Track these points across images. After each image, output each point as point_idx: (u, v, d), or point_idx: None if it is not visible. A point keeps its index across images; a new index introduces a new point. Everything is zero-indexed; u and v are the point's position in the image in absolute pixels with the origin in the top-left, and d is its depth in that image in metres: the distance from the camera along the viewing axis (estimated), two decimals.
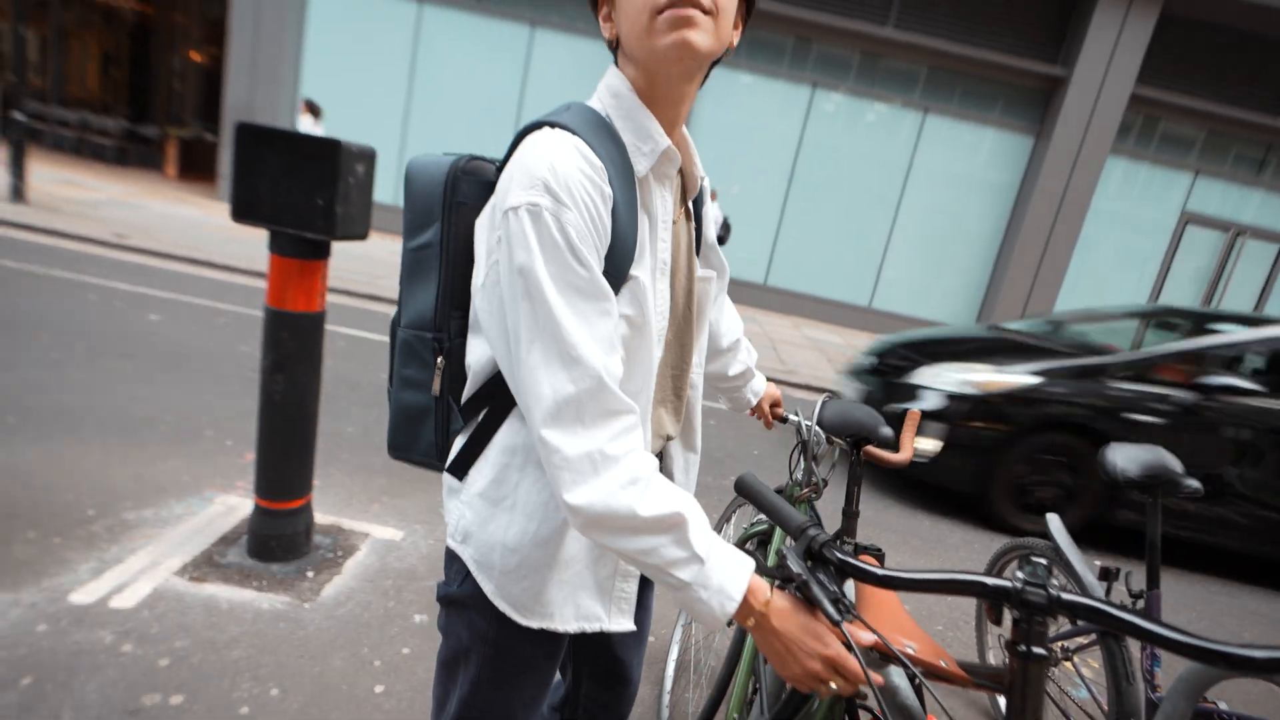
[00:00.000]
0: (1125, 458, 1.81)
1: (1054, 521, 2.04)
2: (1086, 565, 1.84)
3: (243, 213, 1.92)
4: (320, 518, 2.52)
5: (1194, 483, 1.71)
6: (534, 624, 0.91)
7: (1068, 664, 2.16)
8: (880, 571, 0.75)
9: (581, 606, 0.93)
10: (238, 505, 2.50)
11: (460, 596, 0.93)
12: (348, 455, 3.09)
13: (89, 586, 1.96)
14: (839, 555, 0.76)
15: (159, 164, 12.70)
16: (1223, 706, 1.67)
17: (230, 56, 9.51)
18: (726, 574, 0.75)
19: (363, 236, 2.11)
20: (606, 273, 0.78)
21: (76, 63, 14.09)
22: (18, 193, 6.91)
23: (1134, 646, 1.91)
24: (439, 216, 0.88)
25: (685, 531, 0.74)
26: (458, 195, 0.87)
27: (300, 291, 2.03)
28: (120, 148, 12.48)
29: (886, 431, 1.45)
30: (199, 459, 2.80)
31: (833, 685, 0.74)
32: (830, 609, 0.74)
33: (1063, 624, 2.03)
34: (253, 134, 1.90)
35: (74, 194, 8.21)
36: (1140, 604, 1.78)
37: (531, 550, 0.88)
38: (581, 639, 1.12)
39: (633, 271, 0.81)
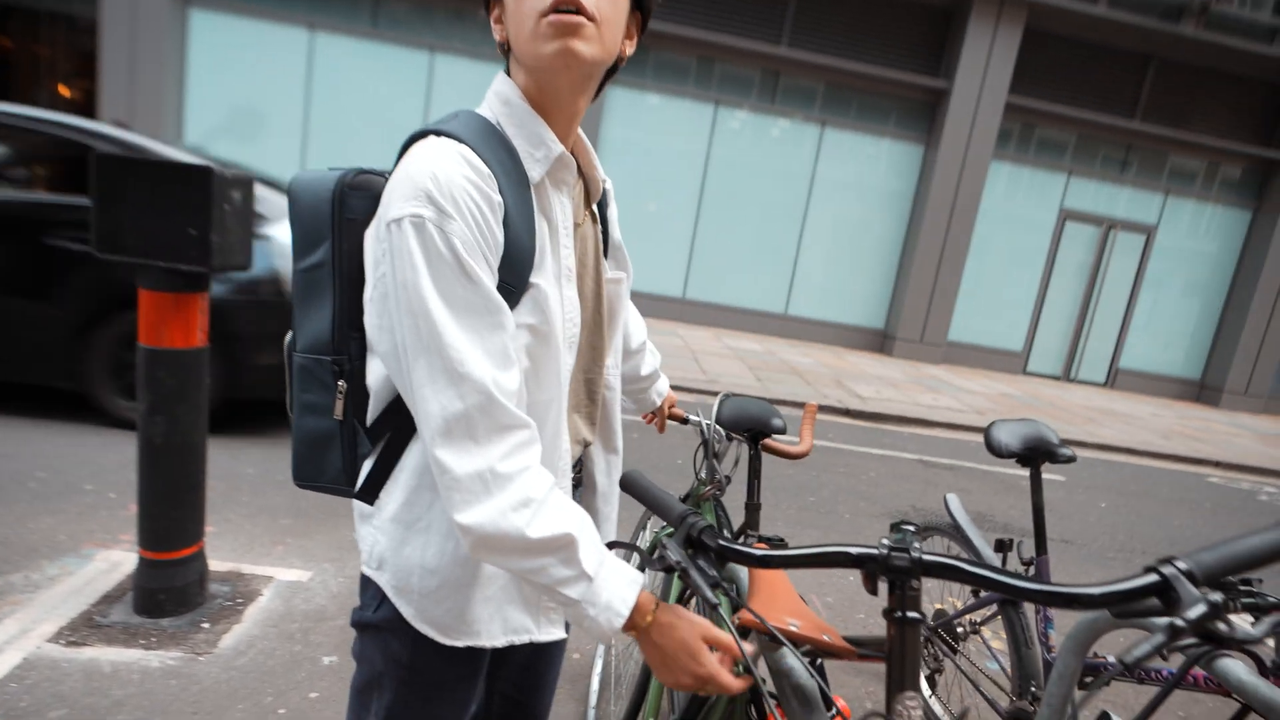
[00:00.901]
0: (1007, 433, 1.93)
1: (953, 500, 2.15)
2: (983, 540, 1.94)
3: (106, 246, 1.80)
4: (217, 565, 2.37)
5: (1068, 452, 1.84)
6: (460, 643, 0.88)
7: (977, 638, 2.27)
8: (755, 552, 0.76)
9: (510, 620, 0.91)
10: (122, 560, 2.32)
11: (376, 621, 0.90)
12: (247, 497, 2.92)
13: None
14: (717, 541, 0.77)
15: None
16: (1110, 659, 1.79)
17: (103, 90, 8.97)
18: (614, 591, 0.76)
19: (244, 267, 2.02)
20: (504, 281, 0.76)
21: None
22: None
23: (1030, 612, 2.02)
24: (328, 234, 0.84)
25: (575, 551, 0.74)
26: (347, 211, 0.84)
27: (177, 327, 1.92)
28: None
29: (778, 423, 1.49)
30: (77, 515, 2.59)
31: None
32: (708, 593, 0.75)
33: (964, 600, 2.13)
34: (115, 164, 1.79)
35: None
36: (1032, 570, 1.88)
37: (451, 570, 0.86)
38: (498, 653, 1.08)
39: (533, 279, 0.80)
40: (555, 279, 0.84)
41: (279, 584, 2.34)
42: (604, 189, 0.98)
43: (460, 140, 0.74)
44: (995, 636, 2.71)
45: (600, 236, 0.98)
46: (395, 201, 0.71)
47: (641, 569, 0.90)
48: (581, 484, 1.05)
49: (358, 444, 0.87)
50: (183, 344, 1.93)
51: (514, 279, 0.77)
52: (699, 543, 0.78)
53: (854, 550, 0.73)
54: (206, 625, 2.07)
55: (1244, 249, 10.73)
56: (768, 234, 10.12)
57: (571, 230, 0.88)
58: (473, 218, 0.72)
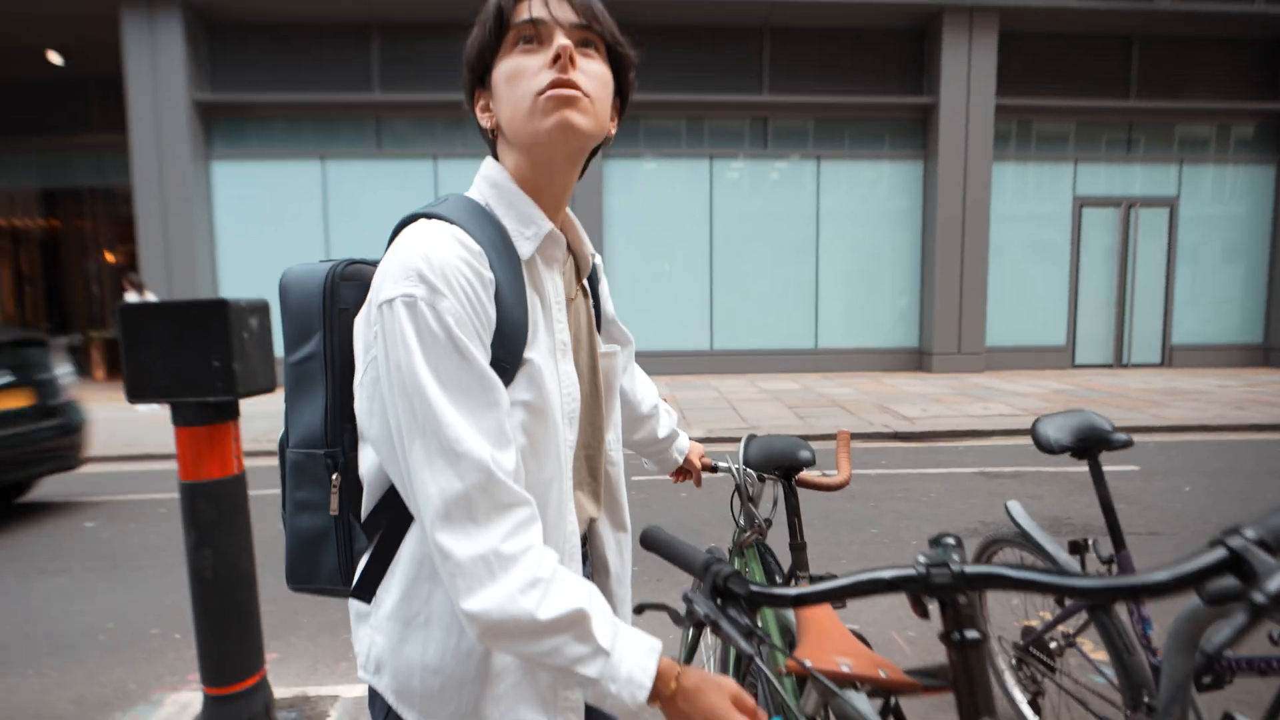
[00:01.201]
0: (1055, 427, 1.84)
1: (1015, 507, 2.04)
2: (1056, 544, 1.83)
3: (138, 392, 1.87)
4: (283, 691, 2.35)
5: (1123, 436, 1.75)
6: None
7: (1075, 651, 2.11)
8: (787, 592, 0.72)
9: None
10: (190, 701, 2.32)
11: None
12: (306, 619, 2.92)
13: None
14: (747, 587, 0.73)
15: (87, 369, 12.47)
16: (1226, 653, 1.64)
17: (142, 250, 9.58)
18: (634, 662, 0.72)
19: (269, 390, 2.08)
20: (498, 358, 0.75)
21: None
22: None
23: (1124, 616, 1.88)
24: (320, 326, 0.84)
25: (588, 626, 0.70)
26: (338, 302, 0.84)
27: (214, 458, 1.97)
28: None
29: (805, 455, 1.45)
30: (145, 661, 2.61)
31: None
32: (743, 644, 0.71)
33: (1053, 614, 1.99)
34: (135, 311, 1.88)
35: None
36: (1114, 568, 1.76)
37: (455, 667, 0.80)
38: None
39: (527, 354, 0.78)
40: (550, 354, 0.83)
41: (345, 701, 2.30)
42: (593, 264, 0.97)
43: (450, 221, 0.75)
44: (1098, 648, 2.51)
45: (592, 311, 0.97)
46: (387, 283, 0.71)
47: (681, 625, 0.86)
48: (591, 567, 1.01)
49: (353, 540, 0.85)
50: (220, 473, 1.97)
51: (508, 355, 0.76)
52: (726, 591, 0.74)
53: (889, 575, 0.68)
54: None
55: (1276, 204, 10.40)
56: (783, 273, 10.16)
57: (564, 305, 0.87)
58: (465, 295, 0.71)
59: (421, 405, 0.69)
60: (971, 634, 0.67)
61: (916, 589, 0.67)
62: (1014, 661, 2.17)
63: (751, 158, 10.02)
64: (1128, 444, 1.73)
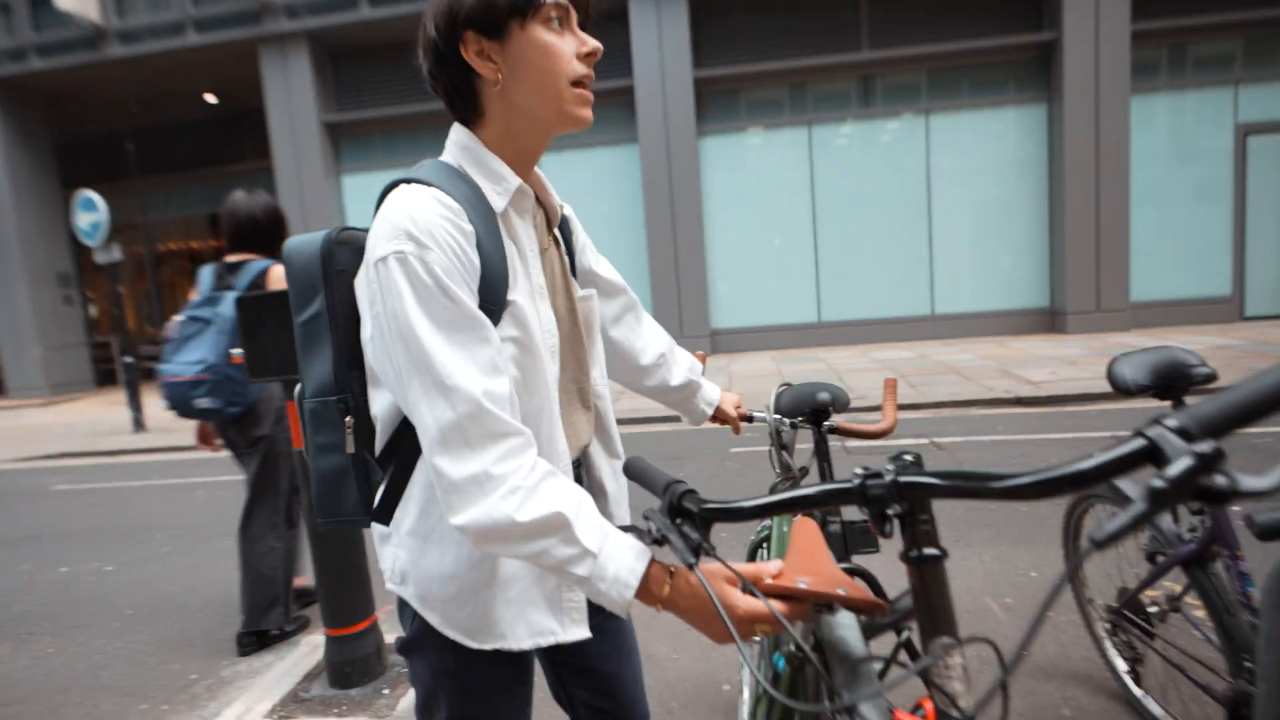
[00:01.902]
0: (1133, 365, 1.71)
1: None
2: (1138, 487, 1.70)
3: (257, 371, 2.17)
4: (392, 636, 2.63)
5: (1208, 369, 1.59)
6: (486, 646, 0.92)
7: (1178, 615, 1.93)
8: (737, 504, 0.75)
9: (533, 622, 0.94)
10: (320, 643, 2.65)
11: (414, 638, 0.97)
12: None
13: None
14: (701, 504, 0.77)
15: None
16: None
17: None
18: (622, 563, 0.77)
19: None
20: (486, 301, 0.84)
21: (174, 304, 16.12)
22: (138, 424, 7.83)
23: (1222, 573, 1.71)
24: (321, 287, 0.92)
25: (572, 530, 0.77)
26: (335, 264, 0.93)
27: None
28: None
29: (824, 396, 1.44)
30: None
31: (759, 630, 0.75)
32: (688, 556, 0.74)
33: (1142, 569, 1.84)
34: (251, 303, 2.18)
35: None
36: (1206, 522, 1.61)
37: (468, 574, 0.90)
38: (559, 663, 1.12)
39: (510, 296, 0.87)
40: (530, 296, 0.92)
41: None
42: (563, 215, 1.07)
43: (429, 184, 0.84)
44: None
45: (566, 258, 1.06)
46: (379, 243, 0.80)
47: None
48: (589, 491, 1.08)
49: (370, 474, 0.96)
50: None
51: (493, 298, 0.86)
52: (681, 509, 0.77)
53: (830, 487, 0.69)
54: (386, 691, 2.30)
55: None
56: (893, 238, 9.67)
57: (538, 253, 0.96)
58: (449, 247, 0.80)
59: (416, 347, 0.79)
60: (930, 551, 0.68)
61: (852, 499, 0.68)
62: (1109, 627, 2.03)
63: (859, 119, 9.59)
64: (1212, 377, 1.57)
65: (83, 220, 7.78)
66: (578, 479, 1.06)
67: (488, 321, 0.83)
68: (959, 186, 9.49)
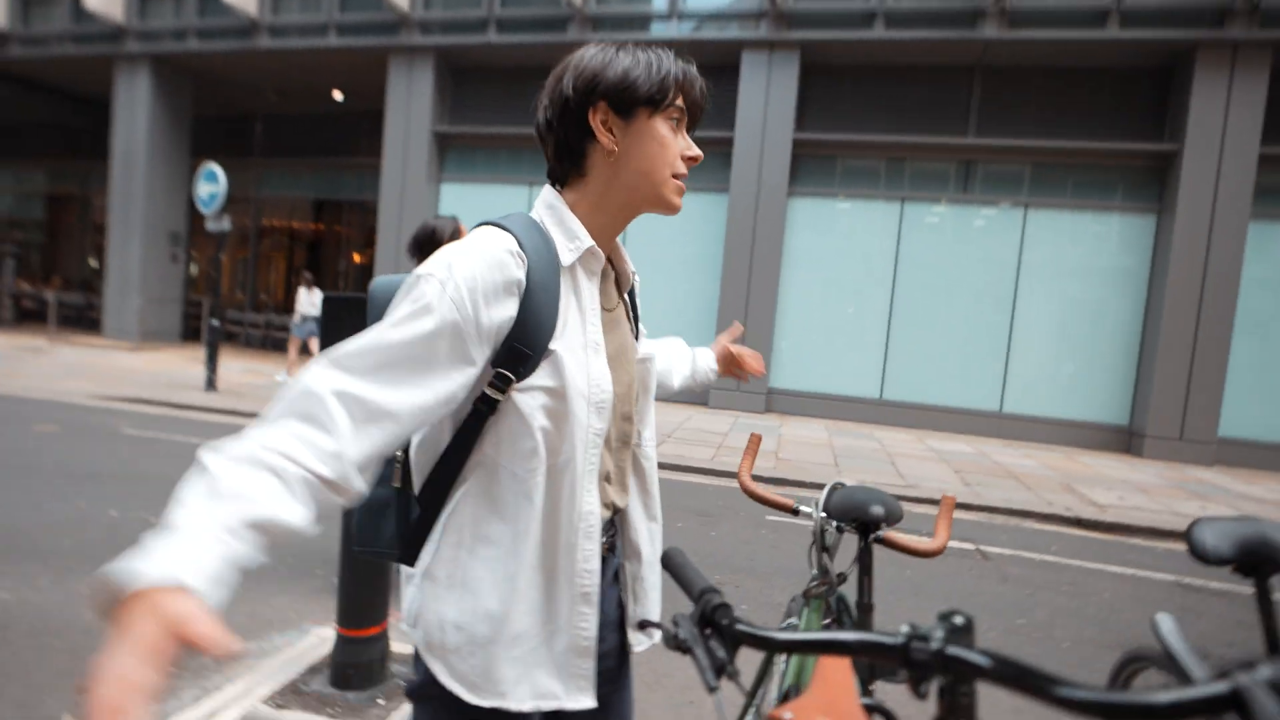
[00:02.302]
0: (1216, 533, 1.59)
1: (1165, 622, 1.77)
2: (1204, 667, 1.57)
3: None
4: (401, 646, 2.65)
5: None
6: (485, 703, 0.90)
7: None
8: (769, 635, 0.71)
9: (538, 684, 0.92)
10: (329, 637, 2.69)
11: (421, 686, 0.95)
12: None
13: (187, 713, 2.17)
14: (733, 622, 0.73)
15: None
16: None
17: (379, 253, 11.20)
18: (168, 558, 0.62)
19: None
20: (519, 344, 0.87)
21: (265, 277, 17.06)
22: (210, 383, 8.26)
23: None
24: None
25: (175, 503, 0.67)
26: None
27: None
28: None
29: (878, 510, 1.38)
30: (305, 596, 3.07)
31: None
32: (709, 675, 0.71)
33: None
34: (335, 302, 2.29)
35: (255, 380, 9.69)
36: None
37: (477, 625, 0.90)
38: None
39: (552, 345, 0.89)
40: (582, 349, 0.93)
41: None
42: (633, 282, 1.10)
43: (508, 230, 0.90)
44: None
45: (631, 320, 1.09)
46: (428, 263, 0.86)
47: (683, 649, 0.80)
48: (622, 552, 1.08)
49: (409, 510, 0.99)
50: None
51: (529, 343, 0.88)
52: (713, 621, 0.73)
53: (871, 639, 0.63)
54: (382, 701, 2.31)
55: None
56: (971, 326, 9.40)
57: (598, 310, 0.98)
58: (468, 301, 0.83)
59: (377, 333, 0.82)
60: None
61: (892, 658, 0.62)
62: None
63: (954, 202, 9.45)
64: None
65: (203, 190, 8.37)
66: (611, 540, 1.04)
67: (438, 384, 0.83)
68: (1049, 285, 9.18)
